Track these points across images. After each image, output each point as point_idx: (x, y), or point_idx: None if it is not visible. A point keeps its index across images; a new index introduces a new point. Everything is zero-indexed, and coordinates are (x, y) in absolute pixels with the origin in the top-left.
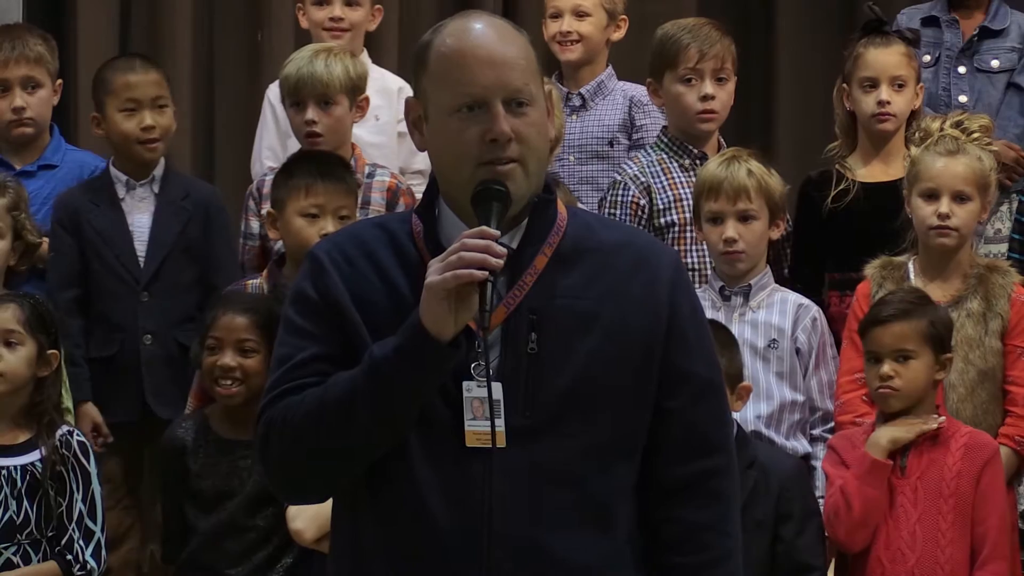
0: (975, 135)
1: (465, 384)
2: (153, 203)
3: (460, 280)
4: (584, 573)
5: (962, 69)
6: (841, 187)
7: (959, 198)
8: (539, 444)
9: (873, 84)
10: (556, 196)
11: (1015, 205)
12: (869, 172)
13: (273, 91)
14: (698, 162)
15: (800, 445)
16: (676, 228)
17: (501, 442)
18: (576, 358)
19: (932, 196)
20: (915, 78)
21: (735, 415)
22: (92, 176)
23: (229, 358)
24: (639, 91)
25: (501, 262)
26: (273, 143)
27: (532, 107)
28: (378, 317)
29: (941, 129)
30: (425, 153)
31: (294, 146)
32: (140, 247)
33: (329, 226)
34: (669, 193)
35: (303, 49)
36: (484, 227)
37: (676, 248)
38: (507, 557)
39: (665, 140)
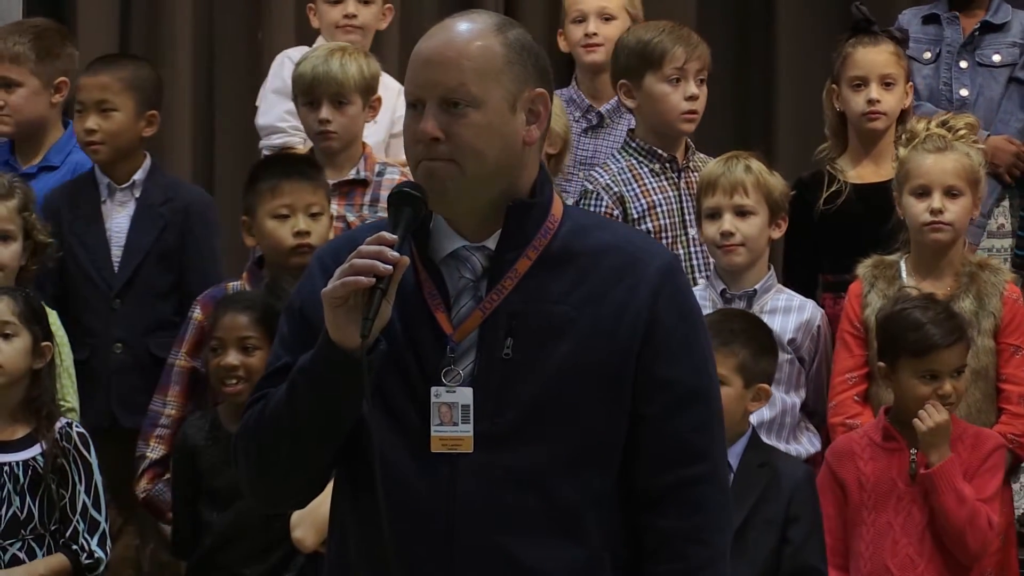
0: (961, 133)
1: (433, 389)
2: (133, 208)
3: (347, 288)
4: None
5: (963, 64)
6: (833, 189)
7: (950, 193)
8: (507, 450)
9: (862, 83)
10: (546, 197)
11: (1018, 201)
12: (860, 173)
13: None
14: (668, 165)
15: (802, 448)
16: (652, 235)
17: (468, 448)
18: (548, 365)
19: (924, 193)
20: (904, 77)
21: (751, 417)
22: (78, 175)
23: (232, 357)
24: None
25: (391, 268)
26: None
27: (475, 108)
28: None
29: (927, 129)
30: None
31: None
32: (117, 252)
33: (300, 224)
34: (643, 201)
35: (317, 48)
36: (382, 232)
37: None
38: (472, 564)
39: (633, 145)
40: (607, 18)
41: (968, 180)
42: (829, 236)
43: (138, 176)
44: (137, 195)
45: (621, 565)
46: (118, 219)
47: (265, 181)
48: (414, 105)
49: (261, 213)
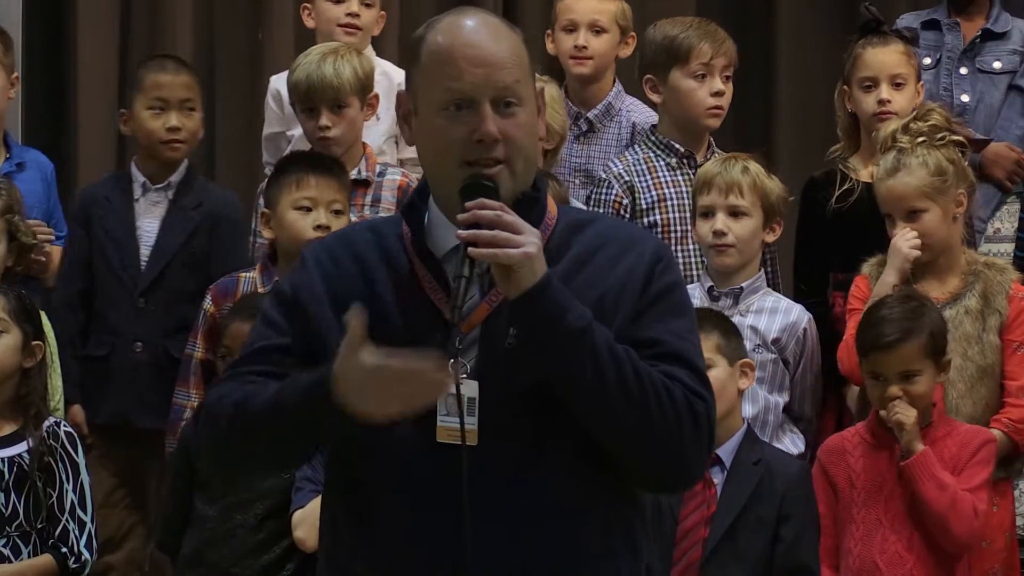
0: (922, 138)
1: None
2: (164, 208)
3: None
4: (565, 568)
5: (964, 70)
6: (845, 187)
7: (912, 215)
8: (511, 439)
9: (873, 84)
10: (544, 193)
11: (1017, 205)
12: (872, 172)
13: (276, 84)
14: (685, 161)
15: (783, 447)
16: (659, 228)
17: (473, 440)
18: None
19: (890, 217)
20: (915, 76)
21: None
22: (115, 173)
23: None
24: (642, 116)
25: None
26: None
27: (521, 107)
28: None
29: (893, 138)
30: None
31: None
32: (145, 252)
33: (322, 217)
34: (653, 192)
35: (309, 53)
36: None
37: None
38: (481, 553)
39: (653, 139)
40: (598, 30)
41: (927, 194)
42: (841, 235)
43: (174, 177)
44: (170, 196)
45: (633, 548)
46: (149, 219)
47: (292, 173)
48: (458, 105)
49: (283, 204)
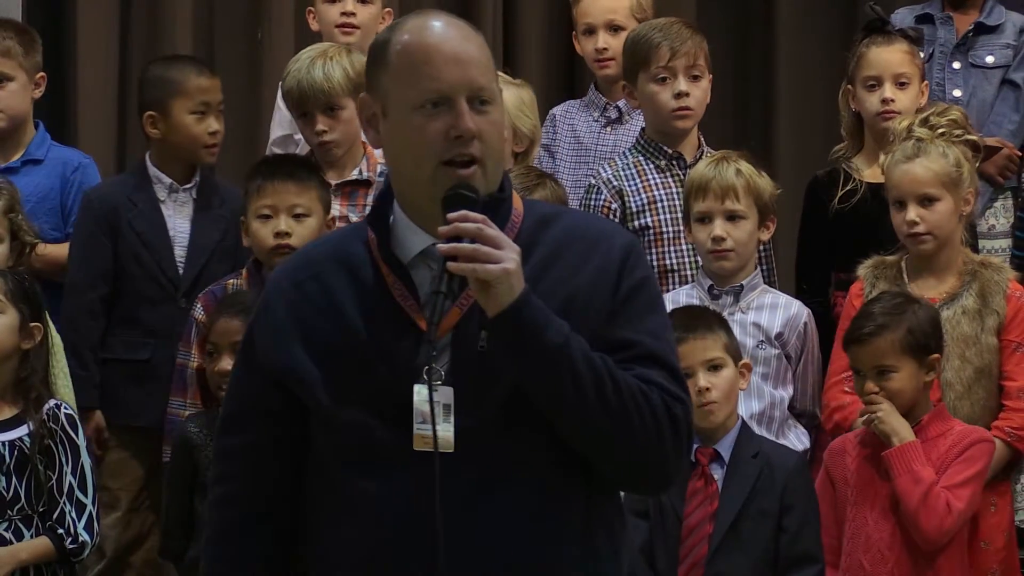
0: (942, 131)
1: (416, 387)
2: (191, 208)
3: None
4: (549, 571)
5: (956, 64)
6: (848, 187)
7: (925, 201)
8: (488, 444)
9: (877, 83)
10: (510, 193)
11: (1010, 200)
12: (875, 172)
13: None
14: (674, 162)
15: (788, 443)
16: (651, 231)
17: (450, 446)
18: None
19: (901, 203)
20: (919, 76)
21: (740, 409)
22: (129, 172)
23: (226, 363)
24: None
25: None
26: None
27: (492, 106)
28: (323, 340)
29: (910, 129)
30: None
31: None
32: (179, 252)
33: (281, 224)
34: (643, 195)
35: (299, 57)
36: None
37: (653, 250)
38: (459, 560)
39: (642, 142)
40: (616, 28)
41: (944, 183)
42: (843, 234)
43: (197, 176)
44: (194, 196)
45: (614, 548)
46: (180, 220)
47: (253, 181)
48: (435, 103)
49: (249, 213)
